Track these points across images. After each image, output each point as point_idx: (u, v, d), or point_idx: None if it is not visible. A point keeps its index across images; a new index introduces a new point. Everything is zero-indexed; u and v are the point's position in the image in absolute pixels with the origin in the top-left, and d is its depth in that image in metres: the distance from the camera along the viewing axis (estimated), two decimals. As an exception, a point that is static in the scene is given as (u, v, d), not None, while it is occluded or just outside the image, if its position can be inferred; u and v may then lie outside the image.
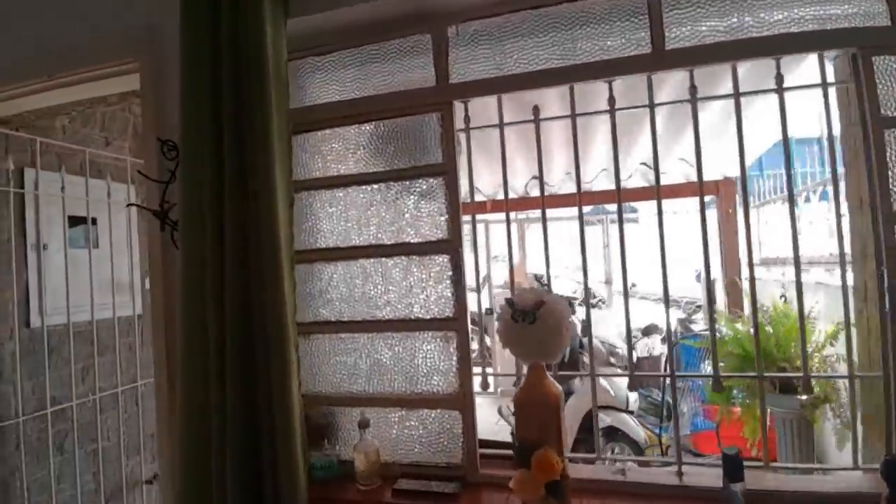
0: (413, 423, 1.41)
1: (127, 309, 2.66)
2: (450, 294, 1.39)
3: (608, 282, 7.66)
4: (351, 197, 1.49)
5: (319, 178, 1.51)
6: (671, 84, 1.92)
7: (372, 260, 1.47)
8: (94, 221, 2.49)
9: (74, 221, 2.42)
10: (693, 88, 1.39)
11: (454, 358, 1.38)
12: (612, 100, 1.44)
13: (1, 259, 2.13)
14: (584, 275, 1.48)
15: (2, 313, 2.11)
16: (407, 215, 1.44)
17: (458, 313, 1.38)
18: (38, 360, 2.25)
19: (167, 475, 1.51)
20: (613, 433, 3.46)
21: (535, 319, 1.12)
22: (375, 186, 1.47)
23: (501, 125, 1.53)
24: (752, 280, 1.39)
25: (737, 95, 1.36)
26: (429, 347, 1.41)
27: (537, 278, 5.44)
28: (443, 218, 1.41)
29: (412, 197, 1.44)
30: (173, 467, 1.45)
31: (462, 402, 1.37)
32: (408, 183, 1.45)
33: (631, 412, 3.61)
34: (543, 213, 1.50)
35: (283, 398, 1.18)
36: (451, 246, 1.39)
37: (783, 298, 3.40)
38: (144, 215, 2.74)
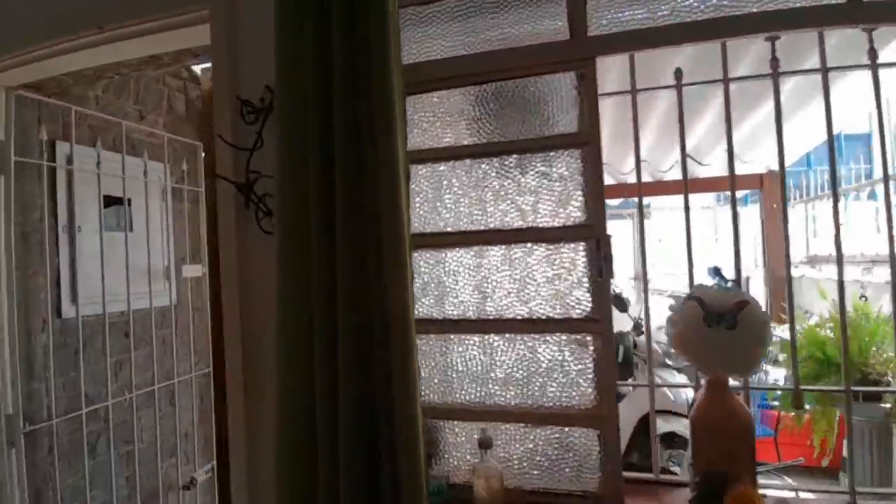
0: (538, 443, 1.19)
1: (161, 299, 2.43)
2: (586, 290, 1.17)
3: (636, 278, 7.42)
4: (462, 172, 1.26)
5: (423, 150, 1.28)
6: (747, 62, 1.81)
7: (488, 247, 1.24)
8: (127, 203, 2.26)
9: (107, 202, 2.19)
10: (872, 51, 1.17)
11: (592, 366, 1.16)
12: (775, 61, 1.22)
13: (33, 241, 1.90)
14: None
15: (34, 302, 1.89)
16: (531, 195, 1.21)
17: (599, 313, 1.15)
18: (69, 355, 2.03)
19: (241, 471, 1.28)
20: (671, 439, 3.25)
21: (735, 324, 0.89)
22: (494, 160, 1.24)
23: (634, 91, 1.30)
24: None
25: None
26: (560, 353, 1.18)
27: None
28: (578, 198, 1.18)
29: (539, 173, 1.21)
30: (252, 468, 1.24)
31: (602, 419, 1.14)
32: (533, 156, 1.21)
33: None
34: (686, 199, 1.28)
35: (406, 387, 0.97)
36: (590, 232, 1.16)
37: (863, 299, 3.17)
38: (184, 195, 2.53)
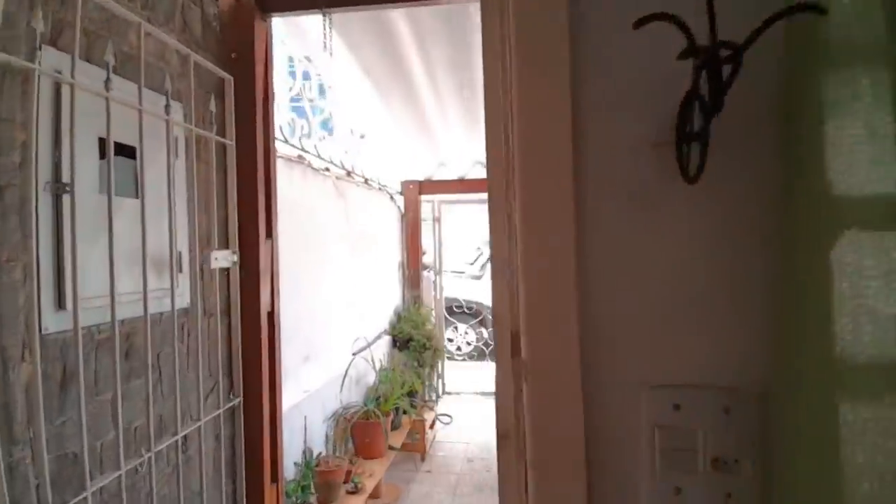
0: None
1: (175, 299, 1.66)
2: None
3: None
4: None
5: None
6: None
7: None
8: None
9: (102, 152, 1.40)
10: None
11: None
12: None
13: (9, 203, 1.10)
14: None
15: (9, 311, 1.09)
16: None
17: None
18: (51, 392, 1.24)
19: None
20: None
21: None
22: None
23: None
24: None
25: None
26: None
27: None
28: None
29: None
30: None
31: None
32: None
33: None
34: None
35: None
36: None
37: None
38: (210, 147, 1.71)
